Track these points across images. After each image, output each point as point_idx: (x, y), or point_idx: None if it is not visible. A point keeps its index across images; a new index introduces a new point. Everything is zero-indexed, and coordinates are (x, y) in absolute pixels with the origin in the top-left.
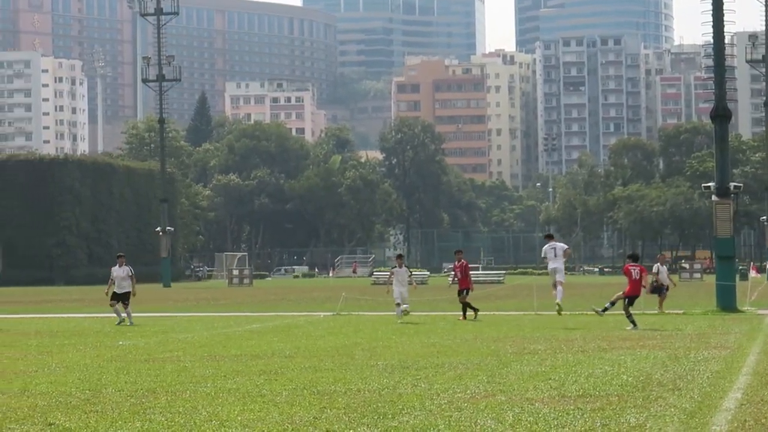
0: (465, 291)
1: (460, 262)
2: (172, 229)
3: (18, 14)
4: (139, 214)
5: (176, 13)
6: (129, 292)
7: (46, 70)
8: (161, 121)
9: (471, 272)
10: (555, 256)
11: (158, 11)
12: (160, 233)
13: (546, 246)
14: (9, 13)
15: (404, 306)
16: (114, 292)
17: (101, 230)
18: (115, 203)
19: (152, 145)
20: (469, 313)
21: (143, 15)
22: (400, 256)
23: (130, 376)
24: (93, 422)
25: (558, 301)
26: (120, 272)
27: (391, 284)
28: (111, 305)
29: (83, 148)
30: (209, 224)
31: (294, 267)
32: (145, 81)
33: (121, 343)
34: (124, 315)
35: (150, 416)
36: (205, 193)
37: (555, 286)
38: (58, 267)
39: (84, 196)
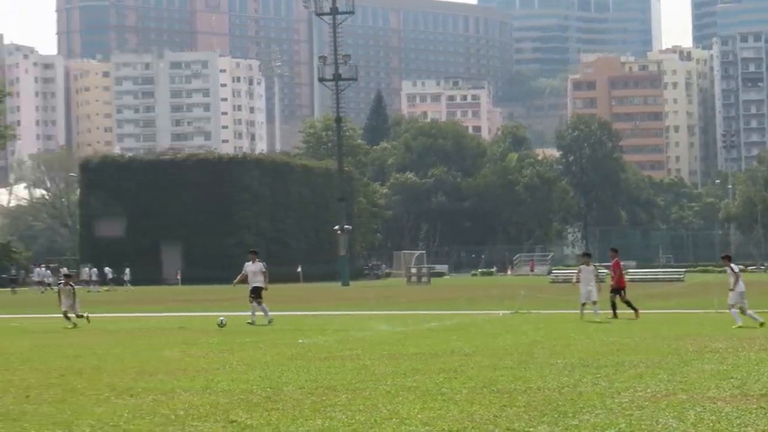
0: (622, 290)
1: (614, 261)
2: (350, 227)
3: (195, 15)
4: (317, 213)
5: (352, 13)
6: (261, 287)
7: (224, 70)
8: (338, 120)
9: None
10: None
11: (334, 11)
12: (339, 232)
13: (738, 269)
14: (186, 14)
15: (593, 299)
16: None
17: (279, 229)
18: (293, 202)
19: (329, 144)
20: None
21: (319, 14)
22: (586, 255)
23: (310, 374)
24: (274, 419)
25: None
26: (253, 268)
27: (578, 282)
28: (249, 301)
29: (261, 147)
30: (387, 222)
31: (434, 266)
32: (321, 80)
33: (300, 341)
34: (259, 313)
35: (330, 414)
36: (382, 192)
37: (733, 306)
38: (237, 266)
39: (262, 195)
